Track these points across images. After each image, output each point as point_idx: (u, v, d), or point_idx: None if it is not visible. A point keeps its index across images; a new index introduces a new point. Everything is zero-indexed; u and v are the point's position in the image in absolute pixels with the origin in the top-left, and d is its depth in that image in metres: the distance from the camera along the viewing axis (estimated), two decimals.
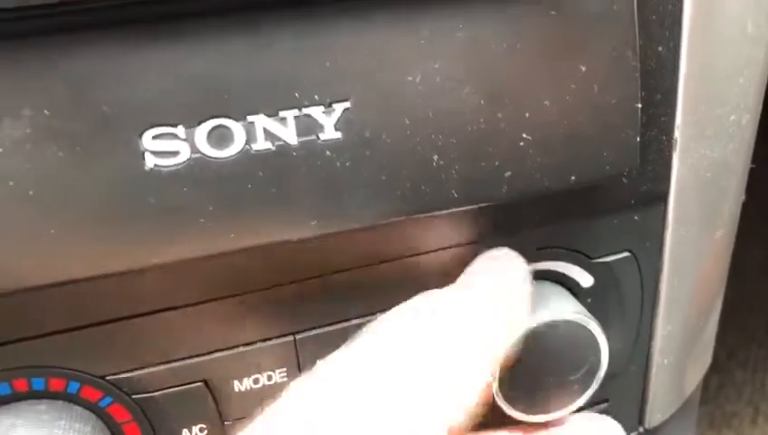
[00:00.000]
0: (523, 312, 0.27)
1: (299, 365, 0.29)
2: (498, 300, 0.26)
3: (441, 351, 0.24)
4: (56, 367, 0.26)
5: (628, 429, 0.37)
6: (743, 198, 0.36)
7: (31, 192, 0.22)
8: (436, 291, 0.27)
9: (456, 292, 0.27)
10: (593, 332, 0.30)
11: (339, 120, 0.24)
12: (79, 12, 0.22)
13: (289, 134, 0.23)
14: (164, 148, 0.23)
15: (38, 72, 0.21)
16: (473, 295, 0.27)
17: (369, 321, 0.29)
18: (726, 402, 1.02)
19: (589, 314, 0.30)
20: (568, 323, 0.30)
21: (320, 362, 0.24)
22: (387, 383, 0.23)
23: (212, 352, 0.28)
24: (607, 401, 0.36)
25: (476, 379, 0.25)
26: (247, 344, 0.28)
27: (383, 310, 0.29)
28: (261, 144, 0.23)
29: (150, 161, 0.22)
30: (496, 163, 0.26)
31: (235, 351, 0.28)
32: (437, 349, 0.24)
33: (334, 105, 0.24)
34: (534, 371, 0.30)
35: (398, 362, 0.24)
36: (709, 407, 1.01)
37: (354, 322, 0.29)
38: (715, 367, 1.04)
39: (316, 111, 0.23)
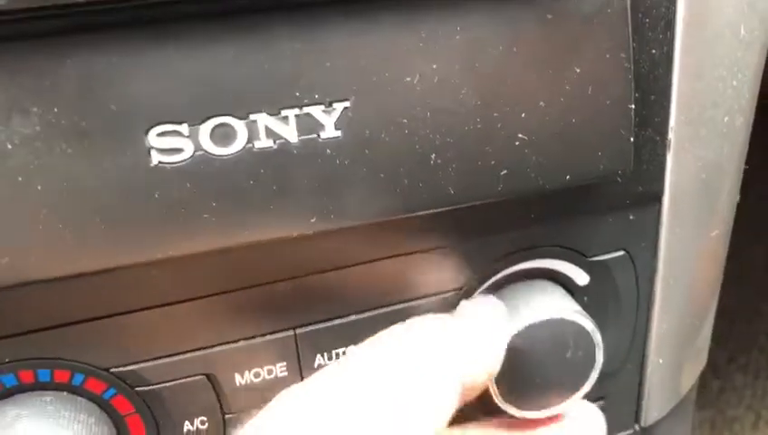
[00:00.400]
0: (501, 344, 0.28)
1: (299, 359, 0.29)
2: (477, 328, 0.28)
3: (416, 370, 0.25)
4: (61, 359, 0.26)
5: (624, 426, 0.38)
6: (737, 198, 0.37)
7: (39, 187, 0.22)
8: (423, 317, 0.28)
9: (439, 320, 0.28)
10: (589, 330, 0.31)
11: (339, 119, 0.24)
12: (87, 13, 0.22)
13: (290, 132, 0.24)
14: (169, 145, 0.23)
15: (47, 71, 0.22)
16: (454, 323, 0.28)
17: (367, 316, 0.30)
18: (727, 407, 1.02)
19: (584, 313, 0.31)
20: (564, 321, 0.30)
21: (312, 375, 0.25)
22: (364, 398, 0.24)
23: (214, 346, 0.28)
24: (603, 398, 0.36)
25: (445, 401, 0.25)
26: (248, 339, 0.29)
27: (382, 306, 0.30)
28: (263, 142, 0.24)
29: (156, 158, 0.23)
30: (493, 162, 0.26)
31: (237, 345, 0.28)
32: (412, 368, 0.25)
33: (334, 104, 0.24)
34: (530, 368, 0.30)
35: (376, 380, 0.25)
36: (710, 411, 1.01)
37: (353, 317, 0.30)
38: (716, 372, 1.04)
39: (317, 111, 0.24)
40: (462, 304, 0.30)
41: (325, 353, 0.30)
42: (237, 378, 0.29)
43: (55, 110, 0.22)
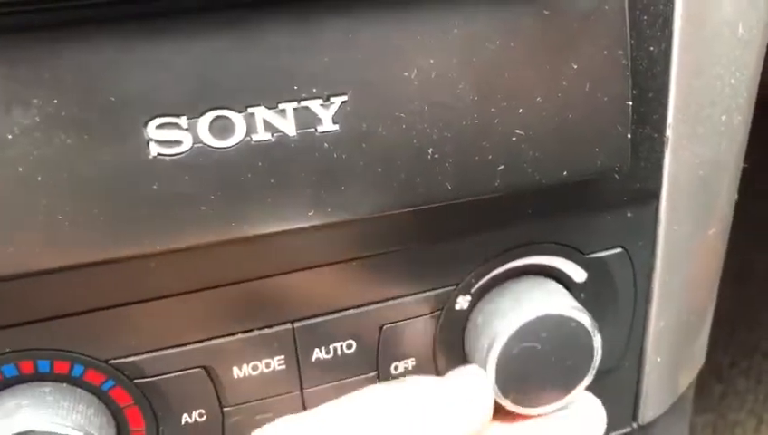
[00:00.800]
0: (487, 407, 0.30)
1: (297, 353, 0.30)
2: (464, 391, 0.30)
3: (404, 420, 0.27)
4: (61, 350, 0.27)
5: (621, 424, 0.38)
6: (735, 197, 0.37)
7: (39, 178, 0.23)
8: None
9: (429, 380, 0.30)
10: (586, 326, 0.31)
11: (336, 112, 0.24)
12: (88, 6, 0.23)
13: (288, 126, 0.24)
14: (167, 137, 0.23)
15: (48, 63, 0.22)
16: (442, 384, 0.30)
17: (364, 311, 0.30)
18: (729, 411, 1.02)
19: (582, 309, 0.31)
20: (561, 317, 0.30)
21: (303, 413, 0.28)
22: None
23: (212, 339, 0.28)
24: (600, 396, 0.36)
25: None
26: (247, 332, 0.29)
27: (379, 301, 0.30)
28: (261, 135, 0.24)
29: (154, 150, 0.23)
30: (489, 157, 0.27)
31: (235, 338, 0.29)
32: (401, 418, 0.27)
33: (332, 98, 0.24)
34: (528, 364, 0.30)
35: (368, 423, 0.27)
36: (712, 416, 1.01)
37: (351, 311, 0.30)
38: (719, 376, 1.04)
39: (314, 104, 0.24)
40: (450, 372, 0.31)
41: (323, 347, 0.30)
42: (235, 371, 0.29)
43: (55, 101, 0.22)
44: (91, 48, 0.23)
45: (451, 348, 0.32)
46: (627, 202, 0.32)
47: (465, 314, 0.32)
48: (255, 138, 0.24)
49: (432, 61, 0.25)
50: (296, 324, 0.29)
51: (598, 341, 0.31)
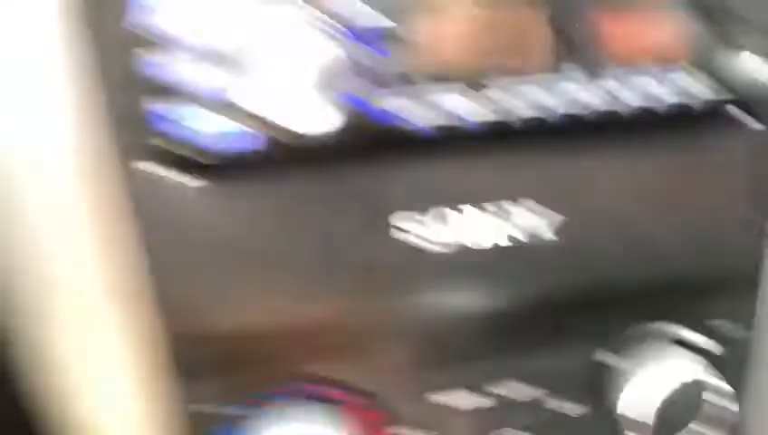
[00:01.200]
0: None
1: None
2: None
3: None
4: (325, 378, 0.35)
5: None
6: None
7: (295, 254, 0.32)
8: None
9: None
10: (721, 389, 0.38)
11: (557, 227, 0.34)
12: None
13: (520, 235, 0.34)
14: (408, 228, 0.33)
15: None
16: None
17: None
18: None
19: (718, 374, 0.38)
20: (701, 382, 0.38)
21: None
22: None
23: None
24: None
25: None
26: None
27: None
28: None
29: (402, 237, 0.33)
30: (647, 256, 0.36)
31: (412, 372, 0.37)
32: None
33: (556, 216, 0.34)
34: (671, 420, 0.38)
35: None
36: None
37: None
38: None
39: (541, 221, 0.34)
40: None
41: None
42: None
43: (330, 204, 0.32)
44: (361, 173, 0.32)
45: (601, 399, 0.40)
46: (740, 287, 0.40)
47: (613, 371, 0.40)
48: (502, 242, 0.34)
49: (620, 187, 0.35)
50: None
51: (732, 402, 0.38)
